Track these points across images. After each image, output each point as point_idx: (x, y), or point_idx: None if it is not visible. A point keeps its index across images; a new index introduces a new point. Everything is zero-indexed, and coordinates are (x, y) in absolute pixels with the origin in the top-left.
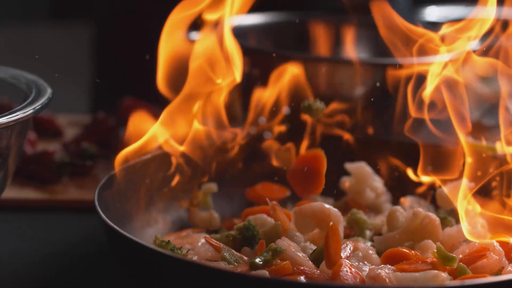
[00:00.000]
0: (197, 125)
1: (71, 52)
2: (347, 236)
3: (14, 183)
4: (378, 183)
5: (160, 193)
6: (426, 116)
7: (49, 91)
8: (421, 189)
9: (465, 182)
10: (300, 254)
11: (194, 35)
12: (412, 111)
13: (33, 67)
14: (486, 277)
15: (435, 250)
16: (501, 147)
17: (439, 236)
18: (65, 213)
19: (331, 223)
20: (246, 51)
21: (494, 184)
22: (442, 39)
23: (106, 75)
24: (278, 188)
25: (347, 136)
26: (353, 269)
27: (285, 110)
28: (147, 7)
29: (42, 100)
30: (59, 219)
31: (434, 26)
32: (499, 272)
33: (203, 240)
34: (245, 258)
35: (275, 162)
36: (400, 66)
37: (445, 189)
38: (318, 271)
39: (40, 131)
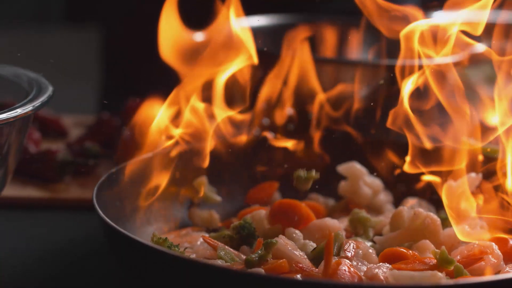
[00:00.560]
0: (195, 101)
1: (81, 54)
2: (348, 237)
3: (16, 181)
4: (372, 179)
5: (161, 191)
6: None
7: (50, 89)
8: (420, 185)
9: (462, 182)
10: (298, 253)
11: (199, 36)
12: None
13: (43, 69)
14: (480, 277)
15: (437, 250)
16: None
17: (440, 236)
18: (66, 212)
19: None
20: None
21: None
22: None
23: (114, 76)
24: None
25: (349, 129)
26: (352, 269)
27: (289, 110)
28: (155, 10)
29: (42, 98)
30: (61, 217)
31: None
32: None
33: (202, 239)
34: (243, 256)
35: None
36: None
37: (441, 192)
38: (316, 270)
39: (45, 131)
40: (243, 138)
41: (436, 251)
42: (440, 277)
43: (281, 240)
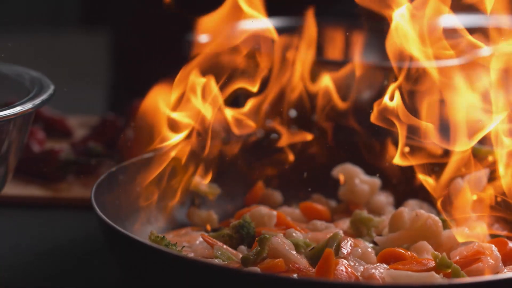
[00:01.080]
0: (196, 77)
1: (92, 56)
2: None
3: (19, 180)
4: (369, 177)
5: (161, 190)
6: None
7: (51, 88)
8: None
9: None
10: (295, 252)
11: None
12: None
13: (53, 70)
14: (474, 277)
15: (436, 253)
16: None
17: (441, 238)
18: (68, 211)
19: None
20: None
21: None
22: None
23: (122, 78)
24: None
25: (355, 125)
26: (349, 269)
27: (292, 112)
28: (164, 12)
29: (43, 96)
30: (62, 217)
31: (450, 33)
32: None
33: (201, 239)
34: (240, 255)
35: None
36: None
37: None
38: (313, 270)
39: (50, 131)
40: (247, 137)
41: (436, 253)
42: (437, 278)
43: (279, 239)
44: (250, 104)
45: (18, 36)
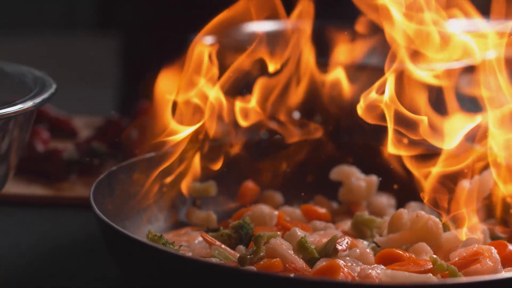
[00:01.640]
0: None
1: (103, 59)
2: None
3: (22, 179)
4: (366, 176)
5: (161, 190)
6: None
7: (53, 87)
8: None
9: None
10: (292, 253)
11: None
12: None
13: (64, 72)
14: (469, 277)
15: (435, 256)
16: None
17: (441, 239)
18: (70, 210)
19: None
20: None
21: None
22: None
23: (131, 80)
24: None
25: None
26: (346, 269)
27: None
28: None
29: (44, 95)
30: (64, 216)
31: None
32: None
33: (200, 238)
34: (238, 255)
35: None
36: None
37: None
38: (310, 270)
39: (56, 131)
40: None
41: (434, 257)
42: (433, 278)
43: (277, 240)
44: (258, 89)
45: (33, 39)
